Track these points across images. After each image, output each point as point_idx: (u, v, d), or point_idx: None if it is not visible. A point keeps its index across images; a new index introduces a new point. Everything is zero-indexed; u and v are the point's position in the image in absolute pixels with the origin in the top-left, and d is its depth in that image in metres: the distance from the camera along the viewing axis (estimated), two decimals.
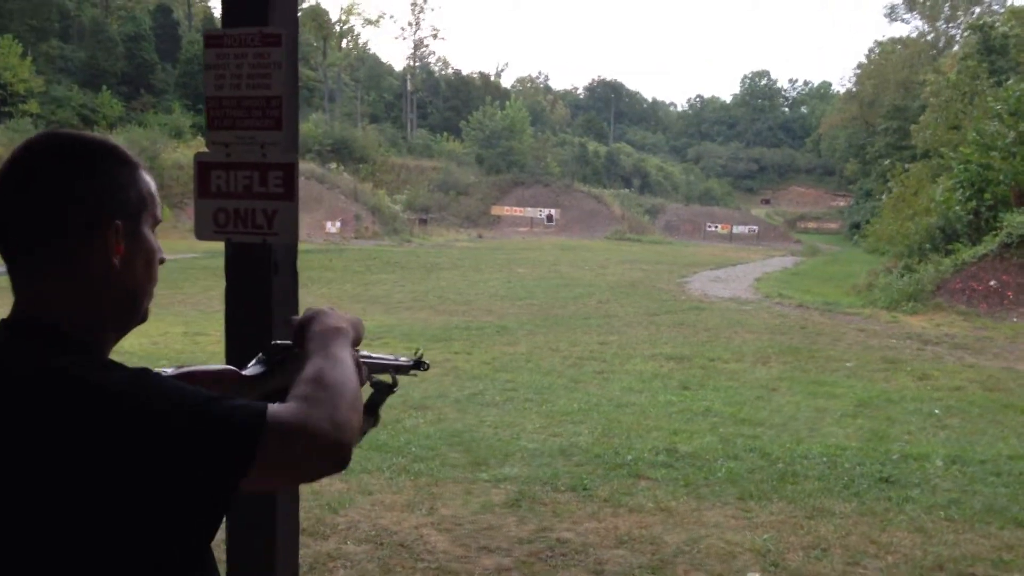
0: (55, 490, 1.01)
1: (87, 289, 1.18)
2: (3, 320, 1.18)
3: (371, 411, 1.68)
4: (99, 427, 1.01)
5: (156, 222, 1.28)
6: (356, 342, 1.36)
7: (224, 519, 1.11)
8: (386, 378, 1.73)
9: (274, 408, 1.08)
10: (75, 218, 1.16)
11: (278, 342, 1.55)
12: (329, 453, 1.10)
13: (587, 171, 77.98)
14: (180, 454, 1.02)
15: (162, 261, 1.29)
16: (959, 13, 77.61)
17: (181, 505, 1.04)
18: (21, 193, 1.16)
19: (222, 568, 2.47)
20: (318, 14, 71.49)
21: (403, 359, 1.81)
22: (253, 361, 1.52)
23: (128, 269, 1.21)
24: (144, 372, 1.10)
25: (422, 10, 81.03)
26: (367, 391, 1.66)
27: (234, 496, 1.06)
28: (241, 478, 1.04)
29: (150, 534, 1.04)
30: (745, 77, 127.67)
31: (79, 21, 62.40)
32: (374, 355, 1.70)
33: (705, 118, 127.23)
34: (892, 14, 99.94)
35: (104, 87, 55.46)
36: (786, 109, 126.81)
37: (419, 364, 1.85)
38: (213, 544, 1.18)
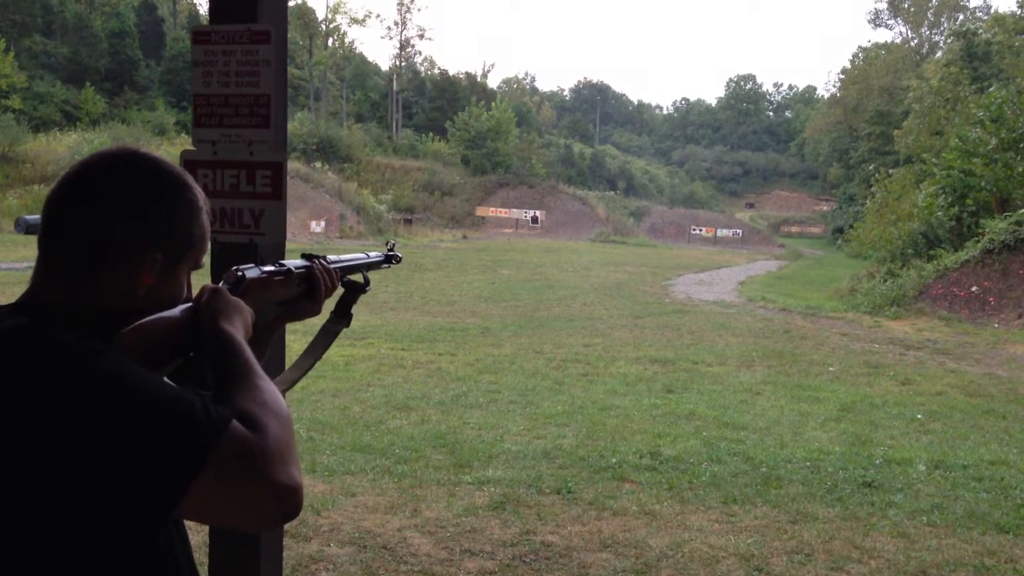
0: (34, 455, 1.02)
1: (103, 298, 1.20)
2: (13, 303, 1.21)
3: (343, 312, 1.74)
4: (83, 402, 1.02)
5: (196, 267, 1.30)
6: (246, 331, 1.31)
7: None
8: (358, 278, 1.77)
9: (237, 425, 1.06)
10: (120, 240, 1.19)
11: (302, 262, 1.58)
12: (279, 493, 1.06)
13: (572, 173, 78.15)
14: (141, 440, 1.01)
15: (187, 300, 1.29)
16: (943, 19, 78.28)
17: (130, 493, 1.02)
18: (79, 202, 1.19)
19: (204, 571, 2.44)
20: (304, 12, 71.27)
21: (374, 255, 1.87)
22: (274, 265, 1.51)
23: (148, 299, 1.23)
24: (127, 359, 1.11)
25: (409, 10, 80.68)
26: (339, 292, 1.73)
27: (177, 506, 1.03)
28: (190, 478, 1.01)
29: (96, 517, 1.04)
30: (730, 80, 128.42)
31: (62, 17, 61.99)
32: (344, 257, 1.75)
33: (690, 121, 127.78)
34: (876, 19, 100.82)
35: (87, 83, 55.17)
36: (771, 113, 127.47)
37: (390, 258, 1.94)
38: (195, 546, 1.17)
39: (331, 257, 1.67)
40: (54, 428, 1.01)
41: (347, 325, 1.73)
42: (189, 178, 1.28)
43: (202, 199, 1.29)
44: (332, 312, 1.73)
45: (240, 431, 1.05)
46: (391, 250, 1.96)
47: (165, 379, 1.16)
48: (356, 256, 1.79)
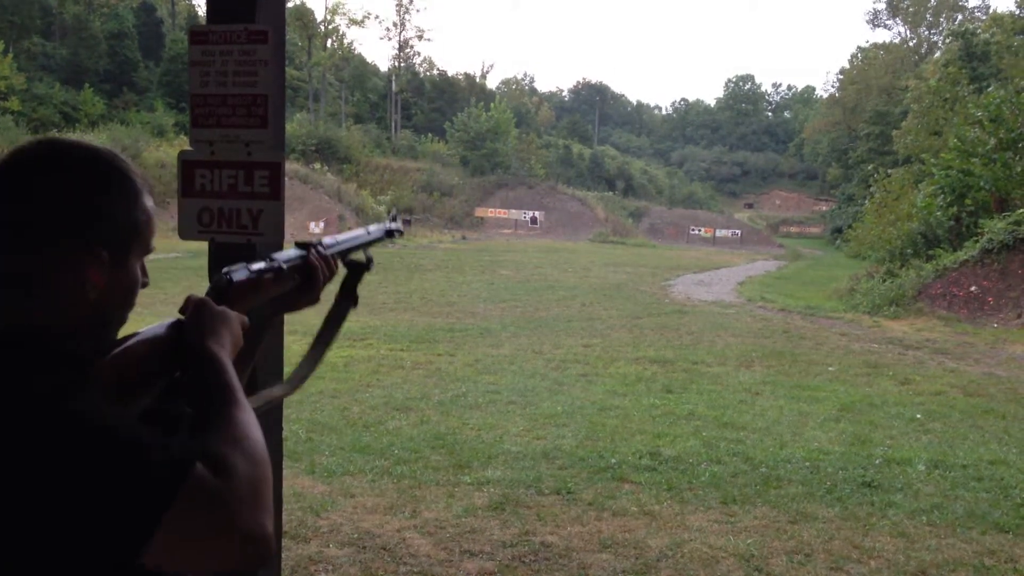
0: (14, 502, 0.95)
1: (54, 308, 1.10)
2: None
3: (348, 293, 1.66)
4: (39, 450, 0.95)
5: (146, 252, 1.19)
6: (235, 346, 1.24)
7: None
8: (360, 257, 1.69)
9: (201, 470, 0.98)
10: (58, 240, 1.08)
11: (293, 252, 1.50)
12: (244, 542, 0.99)
13: (571, 173, 78.12)
14: (100, 492, 0.94)
15: (144, 285, 1.20)
16: (941, 19, 78.40)
17: (91, 545, 0.94)
18: (5, 202, 1.07)
19: None
20: (303, 13, 71.23)
21: (374, 229, 1.76)
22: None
23: (104, 300, 1.13)
24: (92, 397, 1.03)
25: (407, 11, 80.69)
26: (342, 272, 1.64)
27: (140, 556, 0.95)
28: (151, 530, 0.94)
29: (59, 566, 0.96)
30: (729, 81, 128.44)
31: (61, 18, 61.96)
32: (342, 238, 1.66)
33: (689, 121, 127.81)
34: (875, 20, 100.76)
35: (86, 85, 55.14)
36: (769, 113, 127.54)
37: (391, 232, 1.82)
38: None
39: (327, 240, 1.58)
40: (9, 475, 0.94)
41: (355, 305, 1.65)
42: (124, 161, 1.17)
43: (140, 180, 1.17)
44: (337, 295, 1.66)
45: (204, 478, 0.98)
46: (393, 219, 1.85)
47: (135, 420, 1.08)
48: (356, 234, 1.70)
